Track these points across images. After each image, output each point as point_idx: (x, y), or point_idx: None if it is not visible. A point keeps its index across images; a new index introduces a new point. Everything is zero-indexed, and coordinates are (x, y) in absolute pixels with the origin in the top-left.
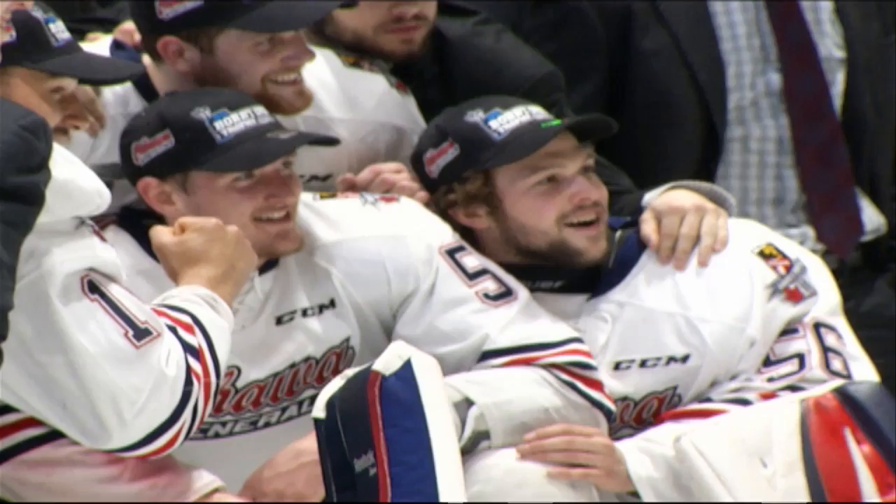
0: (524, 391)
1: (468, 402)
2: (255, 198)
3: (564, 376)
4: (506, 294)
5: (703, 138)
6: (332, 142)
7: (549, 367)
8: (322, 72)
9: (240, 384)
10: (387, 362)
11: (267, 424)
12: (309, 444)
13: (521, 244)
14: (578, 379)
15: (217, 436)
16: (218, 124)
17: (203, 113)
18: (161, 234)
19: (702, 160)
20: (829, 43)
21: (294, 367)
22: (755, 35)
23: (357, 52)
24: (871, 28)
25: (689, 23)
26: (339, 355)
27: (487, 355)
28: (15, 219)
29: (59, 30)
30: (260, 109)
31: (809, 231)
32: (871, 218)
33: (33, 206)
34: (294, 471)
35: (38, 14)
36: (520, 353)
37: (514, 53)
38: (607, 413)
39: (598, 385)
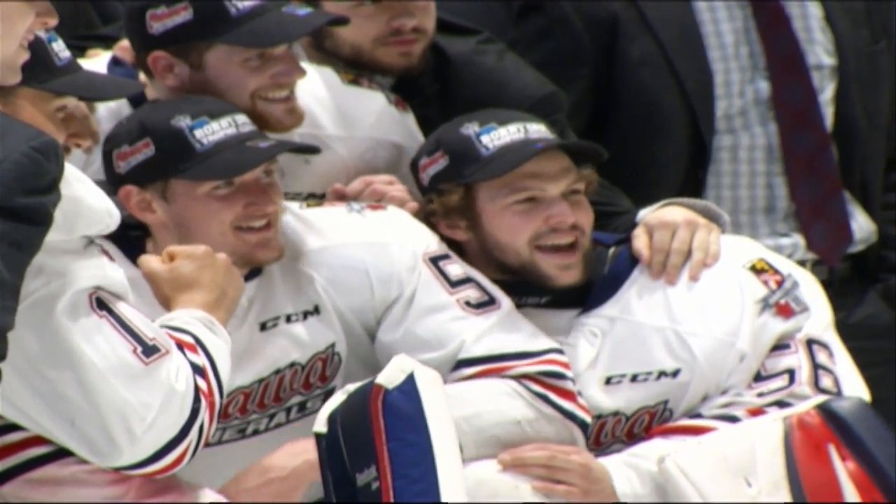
0: (494, 404)
1: None
2: (234, 206)
3: (536, 388)
4: (488, 303)
5: (691, 147)
6: (312, 150)
7: (522, 377)
8: (319, 89)
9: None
10: (389, 376)
11: (255, 432)
12: (276, 460)
13: (498, 261)
14: (551, 390)
15: (206, 444)
16: (198, 132)
17: (183, 121)
18: (151, 262)
19: (690, 169)
20: (820, 50)
21: (279, 372)
22: (743, 43)
23: (355, 65)
24: (861, 35)
25: (676, 31)
26: (325, 361)
27: (462, 364)
28: (21, 239)
29: (60, 49)
30: (241, 118)
31: (801, 240)
32: (863, 226)
33: (40, 226)
34: (260, 487)
35: (41, 33)
36: (493, 363)
37: (516, 73)
38: (581, 424)
39: (571, 396)
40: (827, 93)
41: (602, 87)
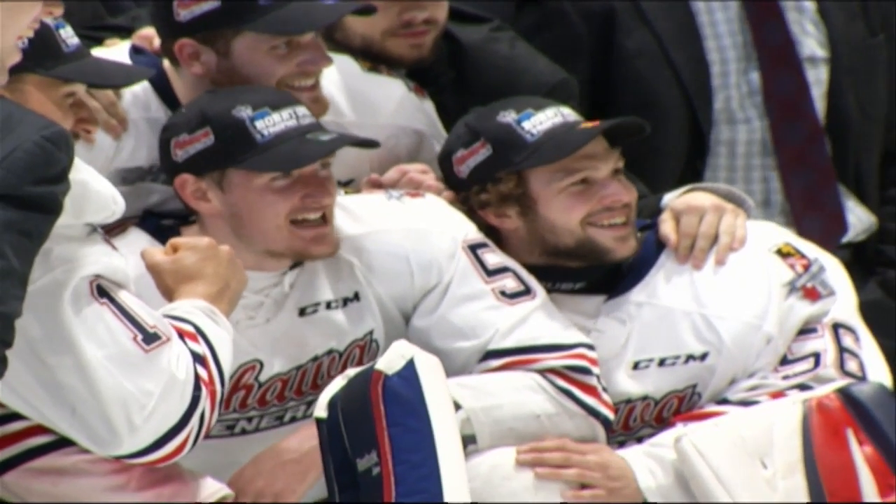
0: (515, 397)
1: (456, 406)
2: (291, 198)
3: (561, 382)
4: (523, 293)
5: (690, 138)
6: (371, 144)
7: (547, 371)
8: (340, 77)
9: (263, 378)
10: (389, 361)
11: (293, 419)
12: (292, 443)
13: (550, 244)
14: (576, 385)
15: (244, 432)
16: (259, 124)
17: (244, 112)
18: (153, 255)
19: (689, 160)
20: (813, 42)
21: (317, 360)
22: (738, 33)
23: (366, 56)
24: (856, 28)
25: (672, 22)
26: (363, 348)
27: (490, 355)
28: (30, 228)
29: (68, 35)
30: (301, 110)
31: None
32: (862, 217)
33: (50, 215)
34: (274, 470)
35: (49, 20)
36: (521, 355)
37: (529, 61)
38: (604, 421)
39: (595, 391)
40: (820, 85)
41: (600, 80)
